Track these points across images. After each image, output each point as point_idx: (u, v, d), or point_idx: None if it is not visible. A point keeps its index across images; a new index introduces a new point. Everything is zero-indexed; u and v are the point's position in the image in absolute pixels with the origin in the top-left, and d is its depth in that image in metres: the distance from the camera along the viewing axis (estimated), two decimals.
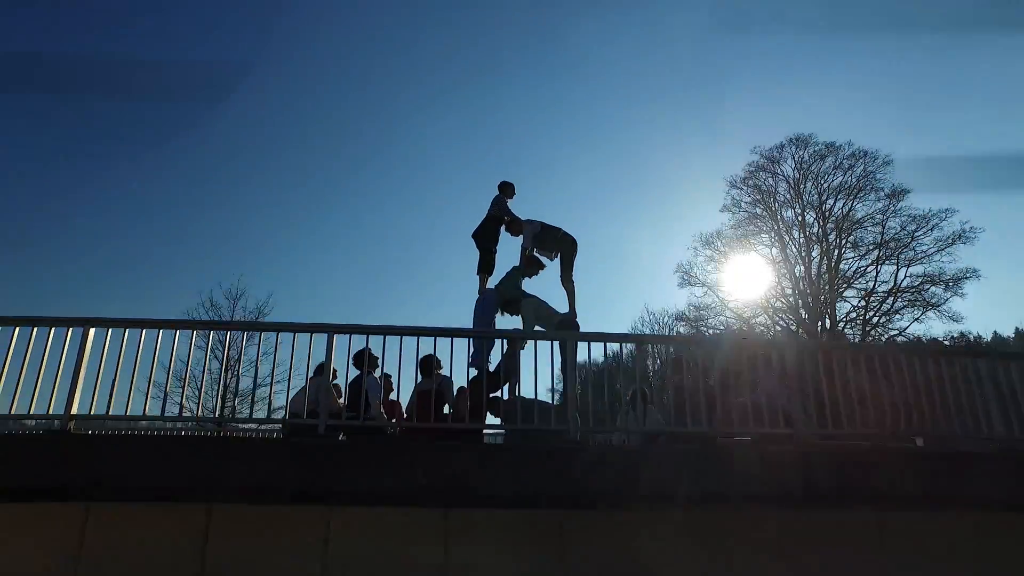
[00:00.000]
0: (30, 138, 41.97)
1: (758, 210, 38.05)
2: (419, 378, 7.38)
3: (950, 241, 32.08)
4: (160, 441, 5.38)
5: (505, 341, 8.00)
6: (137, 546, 5.11)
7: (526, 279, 8.82)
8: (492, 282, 8.90)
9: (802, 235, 37.07)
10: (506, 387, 7.82)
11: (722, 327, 39.32)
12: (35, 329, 5.68)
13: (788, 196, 37.47)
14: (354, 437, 6.95)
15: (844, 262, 35.90)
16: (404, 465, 5.33)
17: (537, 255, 8.77)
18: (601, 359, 9.21)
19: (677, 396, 6.58)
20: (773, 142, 37.55)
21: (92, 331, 5.66)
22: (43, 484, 4.90)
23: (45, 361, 5.48)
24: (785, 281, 36.94)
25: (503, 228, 8.95)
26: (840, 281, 35.85)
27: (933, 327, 35.12)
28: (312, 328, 6.15)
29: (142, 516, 5.07)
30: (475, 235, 9.04)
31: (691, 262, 38.05)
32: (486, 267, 8.85)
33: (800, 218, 37.19)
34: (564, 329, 8.33)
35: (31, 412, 5.31)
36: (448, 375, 7.43)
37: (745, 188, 38.15)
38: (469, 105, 56.19)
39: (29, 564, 5.06)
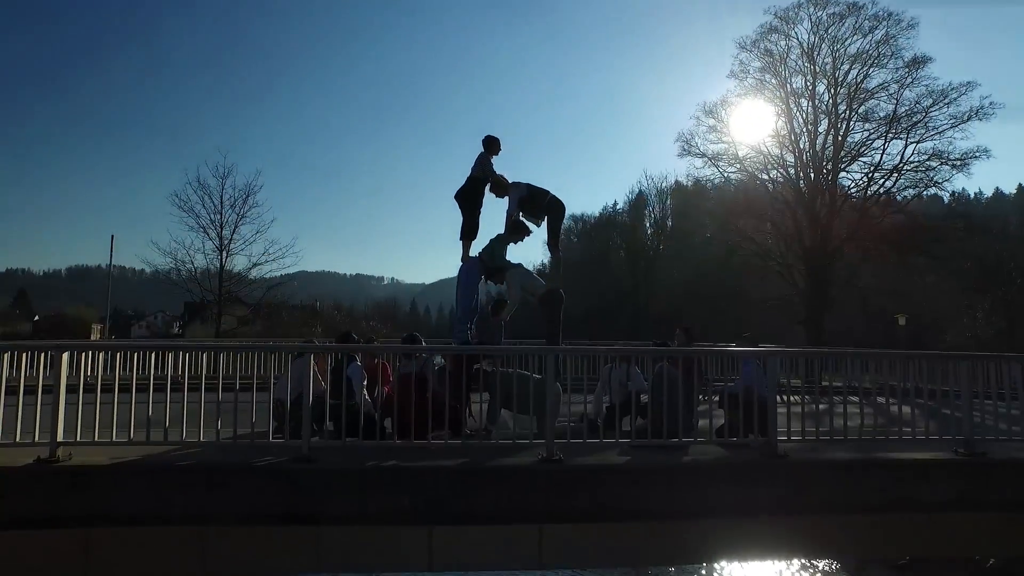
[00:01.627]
0: None
1: (767, 77, 35.91)
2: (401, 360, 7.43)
3: (965, 118, 30.67)
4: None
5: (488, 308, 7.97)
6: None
7: (511, 245, 8.54)
8: (475, 247, 8.64)
9: (811, 105, 35.27)
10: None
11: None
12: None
13: (800, 64, 35.13)
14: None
15: (852, 134, 34.58)
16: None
17: (523, 219, 8.40)
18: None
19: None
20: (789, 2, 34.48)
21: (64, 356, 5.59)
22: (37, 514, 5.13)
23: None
24: (788, 153, 35.83)
25: (487, 189, 8.49)
26: (845, 155, 34.76)
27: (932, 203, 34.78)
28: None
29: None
30: (458, 196, 8.59)
31: (692, 131, 36.60)
32: (469, 232, 8.51)
33: (811, 87, 35.18)
34: (549, 300, 8.22)
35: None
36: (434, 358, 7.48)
37: (755, 51, 35.65)
38: None
39: None
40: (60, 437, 5.43)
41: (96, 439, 5.49)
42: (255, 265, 32.45)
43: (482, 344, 7.95)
